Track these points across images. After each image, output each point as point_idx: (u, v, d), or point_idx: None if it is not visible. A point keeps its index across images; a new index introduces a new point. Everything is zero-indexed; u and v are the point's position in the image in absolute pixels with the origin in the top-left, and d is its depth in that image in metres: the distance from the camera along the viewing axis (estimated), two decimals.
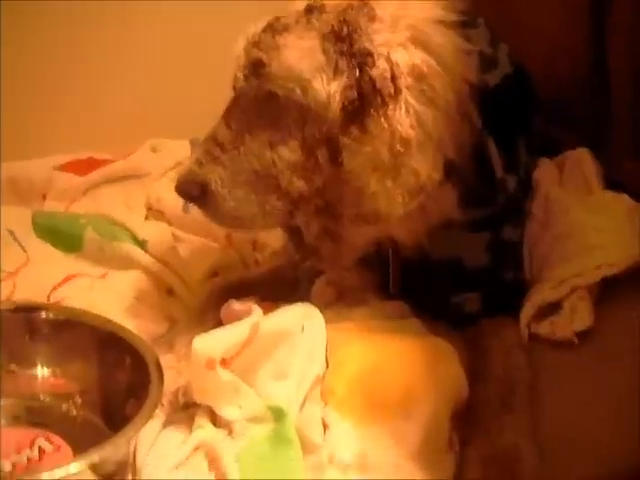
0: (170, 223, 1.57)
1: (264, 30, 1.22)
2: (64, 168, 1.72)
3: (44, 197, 1.68)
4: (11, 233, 1.55)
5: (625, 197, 1.42)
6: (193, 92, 1.81)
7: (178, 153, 1.73)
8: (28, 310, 1.23)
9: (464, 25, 1.26)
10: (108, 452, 1.01)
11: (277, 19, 1.23)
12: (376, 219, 1.19)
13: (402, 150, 1.15)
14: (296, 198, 1.22)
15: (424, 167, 1.16)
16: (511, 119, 1.34)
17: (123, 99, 1.83)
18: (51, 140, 1.77)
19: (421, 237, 1.28)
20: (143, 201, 1.64)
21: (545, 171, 1.50)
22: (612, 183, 1.49)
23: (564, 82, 1.56)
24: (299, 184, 1.21)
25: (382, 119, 1.15)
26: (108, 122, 1.82)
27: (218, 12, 1.82)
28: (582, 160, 1.52)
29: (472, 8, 1.33)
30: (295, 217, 1.26)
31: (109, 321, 1.22)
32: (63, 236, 1.53)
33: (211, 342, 1.13)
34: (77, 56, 1.79)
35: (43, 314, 1.22)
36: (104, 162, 1.74)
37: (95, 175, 1.69)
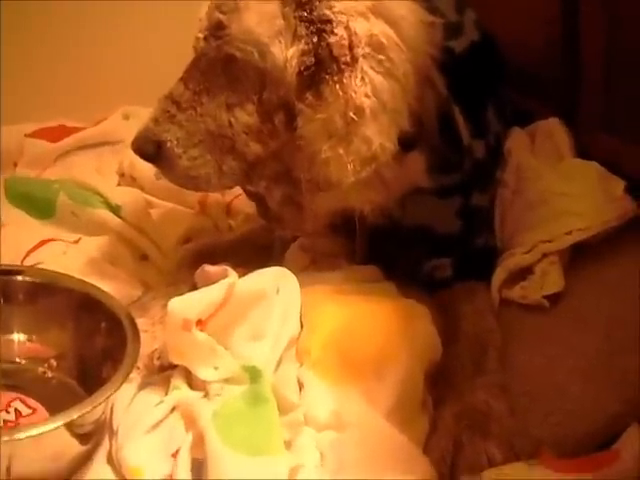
0: (143, 189, 1.57)
1: None
2: (35, 135, 1.71)
3: (15, 165, 1.67)
4: None
5: (595, 164, 1.44)
6: (165, 59, 1.77)
7: None
8: (4, 273, 1.23)
9: None
10: (85, 411, 1.01)
11: None
12: (328, 186, 1.19)
13: (355, 118, 1.14)
14: (252, 160, 1.22)
15: (377, 137, 1.15)
16: (478, 86, 1.35)
17: (94, 66, 1.82)
18: (21, 108, 1.74)
19: (386, 206, 1.28)
20: (115, 168, 1.64)
21: (517, 140, 1.51)
22: (582, 154, 1.50)
23: (535, 52, 1.57)
24: (255, 147, 1.21)
25: (337, 86, 1.14)
26: (79, 90, 1.81)
27: None
28: (553, 129, 1.53)
29: None
30: (252, 180, 1.26)
31: (85, 283, 1.22)
32: (36, 202, 1.53)
33: (187, 304, 1.14)
34: (47, 23, 1.78)
35: (19, 277, 1.22)
36: (75, 129, 1.74)
37: (67, 142, 1.69)
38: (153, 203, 1.53)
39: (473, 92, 1.33)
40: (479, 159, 1.35)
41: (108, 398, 1.04)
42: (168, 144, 1.21)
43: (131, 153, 1.60)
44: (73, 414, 0.99)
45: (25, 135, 1.71)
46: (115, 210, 1.49)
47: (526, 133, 1.55)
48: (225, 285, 1.16)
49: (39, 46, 1.78)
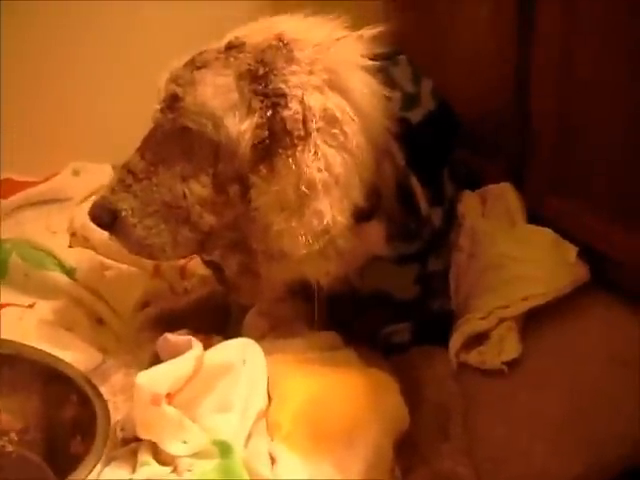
0: (95, 249, 1.54)
1: (185, 65, 1.24)
2: None
3: None
4: None
5: (548, 230, 1.48)
6: (116, 115, 1.78)
7: (100, 177, 1.70)
8: None
9: (386, 63, 1.29)
10: None
11: (200, 54, 1.24)
12: (281, 257, 1.20)
13: (307, 192, 1.15)
14: (207, 231, 1.23)
15: (328, 210, 1.16)
16: (435, 154, 1.38)
17: (45, 120, 1.79)
18: None
19: (343, 275, 1.29)
20: (65, 226, 1.61)
21: (469, 203, 1.55)
22: (532, 217, 1.54)
23: (489, 114, 1.61)
24: (209, 218, 1.22)
25: (290, 160, 1.15)
26: (27, 143, 1.78)
27: (147, 39, 1.81)
28: (505, 194, 1.56)
29: (395, 45, 1.36)
30: (207, 249, 1.27)
31: (50, 355, 1.20)
32: None
33: (156, 378, 1.13)
34: None
35: None
36: (24, 184, 1.71)
37: (17, 198, 1.66)
38: (107, 265, 1.50)
39: (430, 161, 1.35)
40: (437, 226, 1.37)
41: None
42: (123, 213, 1.22)
43: (82, 212, 1.62)
44: None
45: None
46: (69, 273, 1.47)
47: (477, 196, 1.59)
48: (193, 358, 1.16)
49: None
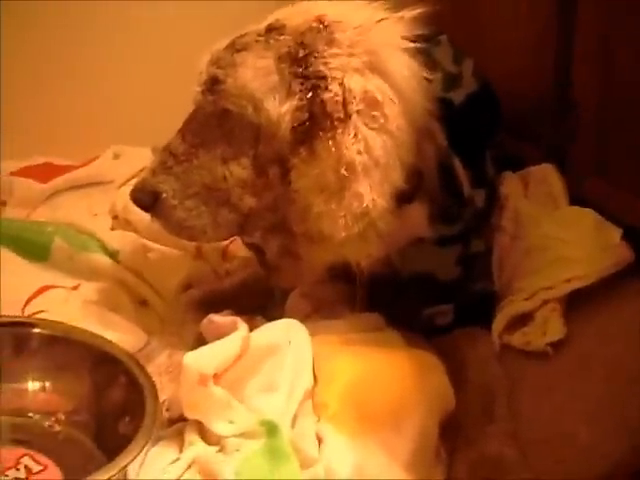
0: (137, 232, 1.55)
1: (226, 47, 1.24)
2: (22, 174, 1.70)
3: (3, 204, 1.65)
4: None
5: (591, 212, 1.47)
6: (155, 99, 1.79)
7: (140, 160, 1.70)
8: (18, 325, 1.22)
9: (427, 44, 1.28)
10: (112, 474, 0.99)
11: (240, 36, 1.24)
12: (320, 239, 1.20)
13: (347, 174, 1.15)
14: (247, 213, 1.24)
15: (368, 192, 1.16)
16: (477, 135, 1.37)
17: (84, 104, 1.81)
18: (4, 144, 1.71)
19: (385, 257, 1.28)
20: (107, 209, 1.62)
21: (512, 185, 1.54)
22: (574, 199, 1.53)
23: (529, 97, 1.60)
24: (249, 200, 1.23)
25: (330, 142, 1.16)
26: (67, 127, 1.79)
27: (186, 23, 1.82)
28: (547, 175, 1.55)
29: (436, 26, 1.36)
30: (247, 231, 1.27)
31: (99, 337, 1.21)
32: (29, 245, 1.51)
33: (203, 358, 1.14)
34: (35, 58, 1.76)
35: (35, 330, 1.21)
36: (63, 168, 1.72)
37: (57, 182, 1.67)
38: (149, 247, 1.51)
39: (472, 142, 1.35)
40: (479, 208, 1.37)
41: (134, 459, 1.02)
42: (164, 195, 1.22)
43: (124, 194, 1.63)
44: (102, 476, 0.98)
45: (11, 173, 1.69)
46: (112, 255, 1.48)
47: (519, 178, 1.58)
48: (240, 338, 1.17)
49: (24, 79, 1.77)
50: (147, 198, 1.23)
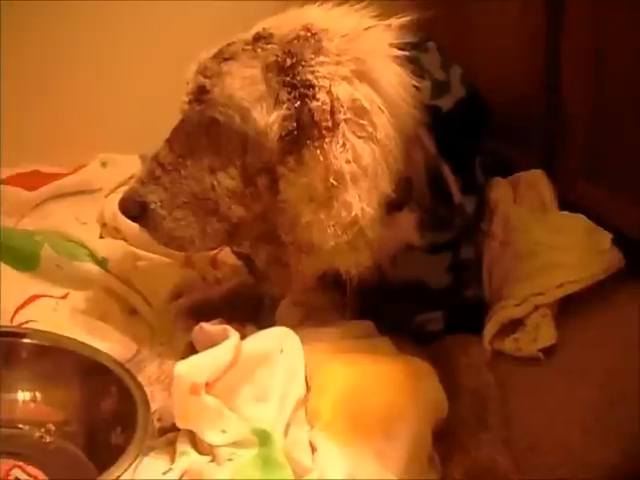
0: (126, 240, 1.55)
1: (213, 56, 1.23)
2: (10, 182, 1.68)
3: None
4: None
5: (581, 217, 1.48)
6: (143, 107, 1.79)
7: (128, 168, 1.72)
8: (7, 335, 1.21)
9: (415, 52, 1.28)
10: None
11: (227, 45, 1.24)
12: (309, 249, 1.20)
13: (335, 184, 1.15)
14: (236, 222, 1.23)
15: (357, 202, 1.16)
16: (466, 142, 1.37)
17: (71, 112, 1.80)
18: None
19: (375, 265, 1.28)
20: (95, 217, 1.62)
21: (501, 191, 1.54)
22: (564, 204, 1.54)
23: (519, 103, 1.61)
24: (238, 210, 1.22)
25: (318, 151, 1.16)
26: (54, 135, 1.78)
27: (174, 31, 1.81)
28: (537, 181, 1.56)
29: (424, 32, 1.36)
30: (236, 241, 1.27)
31: (89, 347, 1.20)
32: (17, 254, 1.49)
33: (195, 367, 1.13)
34: (24, 67, 1.74)
35: (24, 340, 1.20)
36: (51, 176, 1.71)
37: (46, 189, 1.66)
38: (138, 255, 1.51)
39: (461, 149, 1.35)
40: (469, 214, 1.37)
41: (125, 471, 1.01)
42: (152, 205, 1.22)
43: (112, 202, 1.62)
44: None
45: None
46: (101, 263, 1.47)
47: (509, 184, 1.58)
48: (232, 347, 1.16)
49: (15, 90, 1.75)
50: (135, 208, 1.23)
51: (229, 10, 1.78)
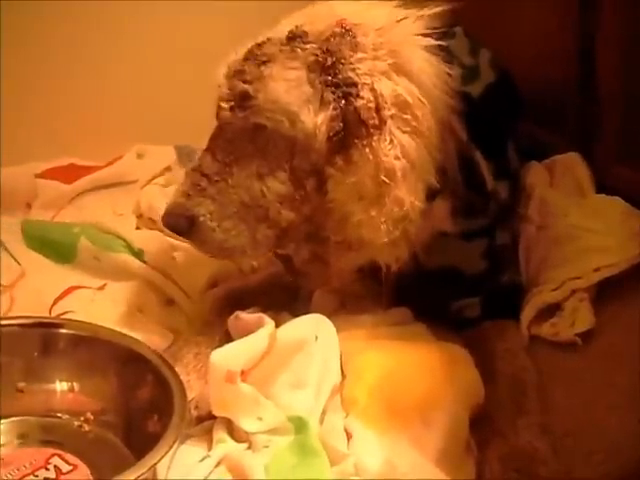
0: (162, 231, 1.54)
1: (246, 58, 1.22)
2: (46, 175, 1.70)
3: (28, 206, 1.65)
4: (1, 244, 1.51)
5: (618, 200, 1.46)
6: (177, 97, 1.79)
7: (164, 159, 1.72)
8: (45, 326, 1.22)
9: (443, 38, 1.26)
10: (141, 473, 0.99)
11: (258, 46, 1.22)
12: (360, 246, 1.20)
13: (387, 181, 1.15)
14: (285, 227, 1.22)
15: (407, 196, 1.16)
16: (497, 127, 1.36)
17: (107, 104, 1.81)
18: (27, 146, 1.73)
19: (409, 255, 1.27)
20: (131, 209, 1.63)
21: (537, 175, 1.53)
22: (600, 187, 1.52)
23: (552, 85, 1.59)
24: (288, 214, 1.21)
25: (367, 150, 1.15)
26: (90, 127, 1.79)
27: (207, 21, 1.81)
28: (573, 164, 1.54)
29: (454, 16, 1.34)
30: (283, 244, 1.26)
31: (126, 336, 1.21)
32: (55, 246, 1.51)
33: (230, 355, 1.14)
34: (58, 60, 1.76)
35: (62, 330, 1.21)
36: (87, 169, 1.73)
37: (82, 182, 1.67)
38: (175, 246, 1.51)
39: (493, 134, 1.34)
40: (503, 200, 1.36)
41: (163, 458, 1.02)
42: (201, 218, 1.19)
43: (148, 193, 1.64)
44: (131, 476, 0.98)
45: (35, 175, 1.69)
46: (138, 254, 1.48)
47: (544, 167, 1.57)
48: (266, 335, 1.17)
49: (44, 79, 1.76)
50: (183, 223, 1.20)
51: (258, 3, 1.77)
